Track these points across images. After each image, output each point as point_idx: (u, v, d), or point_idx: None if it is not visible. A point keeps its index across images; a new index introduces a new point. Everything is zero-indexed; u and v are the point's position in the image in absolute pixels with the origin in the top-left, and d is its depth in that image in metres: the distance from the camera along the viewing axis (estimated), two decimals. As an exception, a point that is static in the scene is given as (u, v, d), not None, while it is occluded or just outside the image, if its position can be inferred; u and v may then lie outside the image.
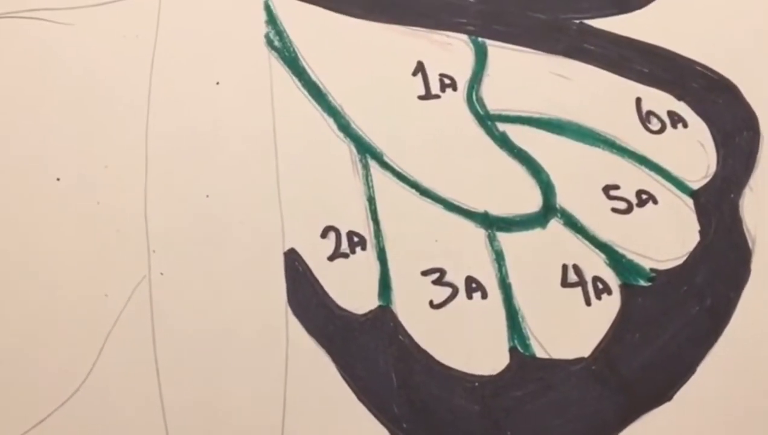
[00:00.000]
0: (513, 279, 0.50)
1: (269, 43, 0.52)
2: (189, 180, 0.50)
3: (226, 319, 0.49)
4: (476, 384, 0.49)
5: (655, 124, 0.52)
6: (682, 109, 0.52)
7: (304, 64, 0.52)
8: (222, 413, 0.48)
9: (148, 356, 0.48)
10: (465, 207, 0.50)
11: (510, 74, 0.52)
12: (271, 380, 0.49)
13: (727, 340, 0.50)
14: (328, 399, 0.49)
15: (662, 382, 0.50)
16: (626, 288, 0.50)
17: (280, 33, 0.52)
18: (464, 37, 0.53)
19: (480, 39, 0.53)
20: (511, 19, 0.53)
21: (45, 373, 0.48)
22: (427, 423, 0.49)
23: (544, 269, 0.50)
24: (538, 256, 0.50)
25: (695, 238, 0.51)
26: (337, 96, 0.51)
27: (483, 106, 0.52)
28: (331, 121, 0.51)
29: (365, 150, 0.51)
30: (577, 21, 0.53)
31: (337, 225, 0.50)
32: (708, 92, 0.53)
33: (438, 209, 0.50)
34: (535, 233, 0.51)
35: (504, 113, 0.52)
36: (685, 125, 0.52)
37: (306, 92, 0.51)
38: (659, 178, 0.51)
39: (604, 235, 0.51)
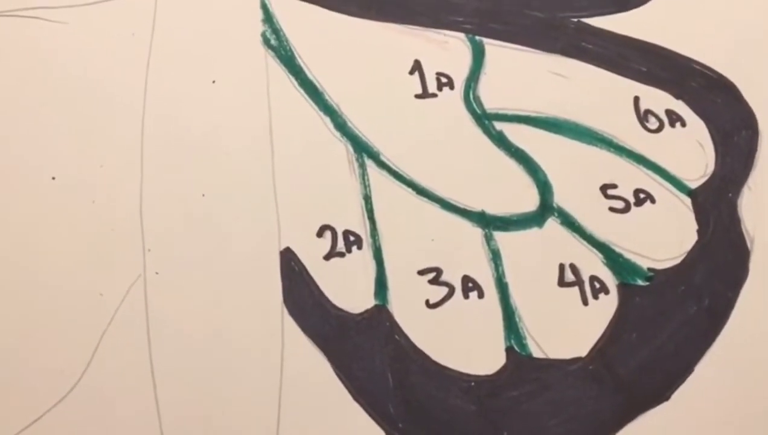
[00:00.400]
0: (510, 278, 0.50)
1: (266, 41, 0.52)
2: (185, 179, 0.50)
3: (221, 318, 0.49)
4: (473, 384, 0.49)
5: (653, 123, 0.52)
6: (681, 108, 0.52)
7: (300, 62, 0.52)
8: (217, 412, 0.48)
9: (143, 355, 0.48)
10: (462, 206, 0.50)
11: (507, 73, 0.52)
12: (267, 379, 0.48)
13: (725, 340, 0.50)
14: (323, 398, 0.49)
15: (660, 382, 0.49)
16: (624, 287, 0.50)
17: (276, 31, 0.52)
18: (461, 35, 0.52)
19: (477, 37, 0.52)
20: (509, 17, 0.53)
21: (40, 371, 0.48)
22: (423, 423, 0.49)
23: (541, 269, 0.50)
24: (535, 256, 0.50)
25: (693, 238, 0.51)
26: (333, 95, 0.51)
27: (480, 104, 0.52)
28: (327, 120, 0.51)
29: (362, 149, 0.51)
30: (575, 19, 0.53)
31: (333, 224, 0.50)
32: (707, 91, 0.52)
33: (434, 208, 0.50)
34: (532, 232, 0.50)
35: (501, 112, 0.52)
36: (684, 124, 0.52)
37: (302, 91, 0.51)
38: (657, 177, 0.51)
39: (601, 235, 0.50)
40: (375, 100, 0.51)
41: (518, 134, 0.51)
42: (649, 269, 0.50)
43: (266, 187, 0.50)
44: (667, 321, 0.50)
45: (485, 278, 0.50)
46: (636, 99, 0.52)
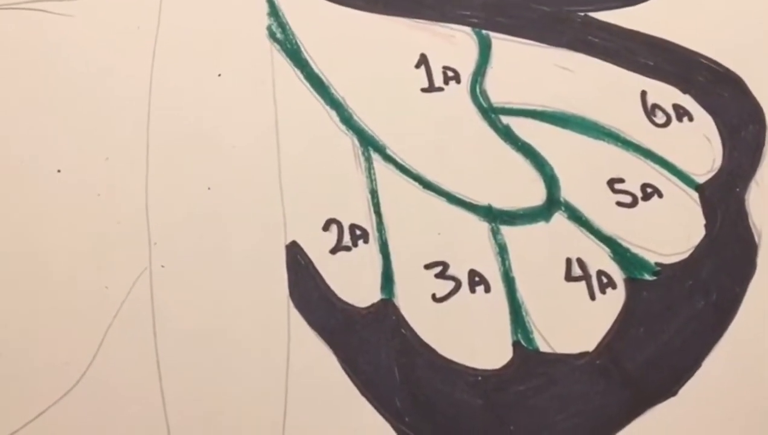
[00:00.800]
0: (516, 273, 0.50)
1: (271, 35, 0.52)
2: (190, 172, 0.50)
3: (227, 312, 0.49)
4: (479, 378, 0.49)
5: (660, 118, 0.52)
6: (688, 102, 0.52)
7: (306, 56, 0.51)
8: (223, 406, 0.48)
9: (149, 349, 0.48)
10: (468, 200, 0.50)
11: (514, 67, 0.52)
12: (273, 373, 0.48)
13: (732, 335, 0.50)
14: (329, 393, 0.48)
15: (667, 377, 0.49)
16: (631, 282, 0.50)
17: (282, 25, 0.52)
18: (468, 29, 0.52)
19: (484, 31, 0.52)
20: (515, 11, 0.53)
21: (45, 365, 0.48)
22: (429, 417, 0.48)
23: (547, 263, 0.50)
24: (541, 250, 0.50)
25: (701, 233, 0.51)
26: (339, 88, 0.51)
27: (486, 98, 0.51)
28: (333, 113, 0.51)
29: (368, 143, 0.51)
30: (582, 13, 0.53)
31: (339, 218, 0.50)
32: (714, 85, 0.52)
33: (441, 202, 0.50)
34: (539, 227, 0.50)
35: (508, 106, 0.51)
36: (691, 118, 0.52)
37: (308, 84, 0.51)
38: (664, 171, 0.51)
39: (608, 229, 0.50)
40: (381, 93, 0.51)
41: (525, 128, 0.51)
42: (657, 264, 0.50)
43: (272, 180, 0.50)
44: (674, 316, 0.50)
45: (492, 272, 0.50)
46: (643, 93, 0.52)
